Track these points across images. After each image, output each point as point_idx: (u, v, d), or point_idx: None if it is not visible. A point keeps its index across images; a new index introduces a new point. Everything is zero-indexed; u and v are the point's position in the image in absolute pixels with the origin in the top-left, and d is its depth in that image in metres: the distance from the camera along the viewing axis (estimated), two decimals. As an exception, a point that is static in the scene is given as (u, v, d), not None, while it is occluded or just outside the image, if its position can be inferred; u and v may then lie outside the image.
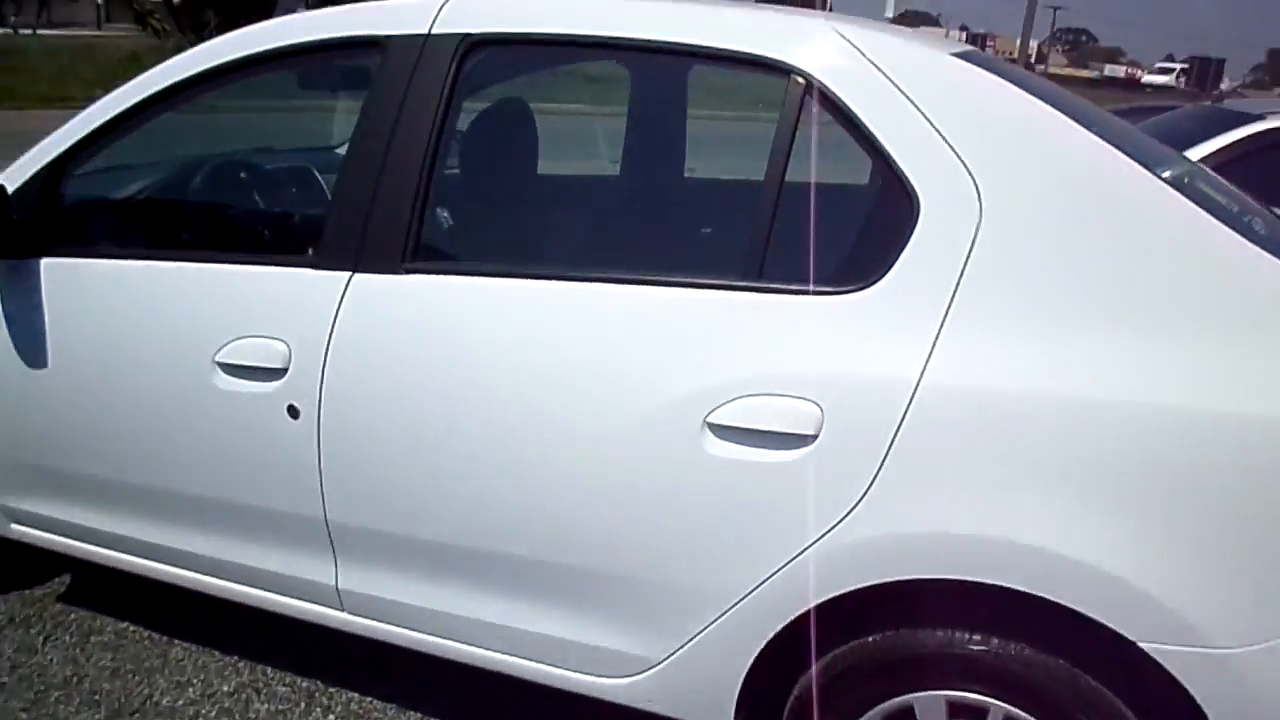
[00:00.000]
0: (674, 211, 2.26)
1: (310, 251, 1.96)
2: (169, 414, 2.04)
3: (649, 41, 1.77)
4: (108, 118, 2.12)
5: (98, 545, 2.28)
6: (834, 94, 1.64)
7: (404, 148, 1.86)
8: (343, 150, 3.36)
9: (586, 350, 1.71)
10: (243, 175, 2.60)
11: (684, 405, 1.64)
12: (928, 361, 1.54)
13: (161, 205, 2.51)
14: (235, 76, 2.02)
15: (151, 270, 2.05)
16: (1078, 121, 1.61)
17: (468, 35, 1.86)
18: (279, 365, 1.90)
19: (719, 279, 1.67)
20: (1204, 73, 37.97)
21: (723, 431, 1.63)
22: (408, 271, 1.84)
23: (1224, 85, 41.39)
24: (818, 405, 1.58)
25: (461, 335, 1.80)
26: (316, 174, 2.76)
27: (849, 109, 1.63)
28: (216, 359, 1.95)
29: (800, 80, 1.66)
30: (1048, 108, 1.62)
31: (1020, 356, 1.51)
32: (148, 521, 2.17)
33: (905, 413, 1.54)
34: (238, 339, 1.93)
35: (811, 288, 1.63)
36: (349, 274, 1.88)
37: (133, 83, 2.13)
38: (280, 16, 2.09)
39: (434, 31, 1.88)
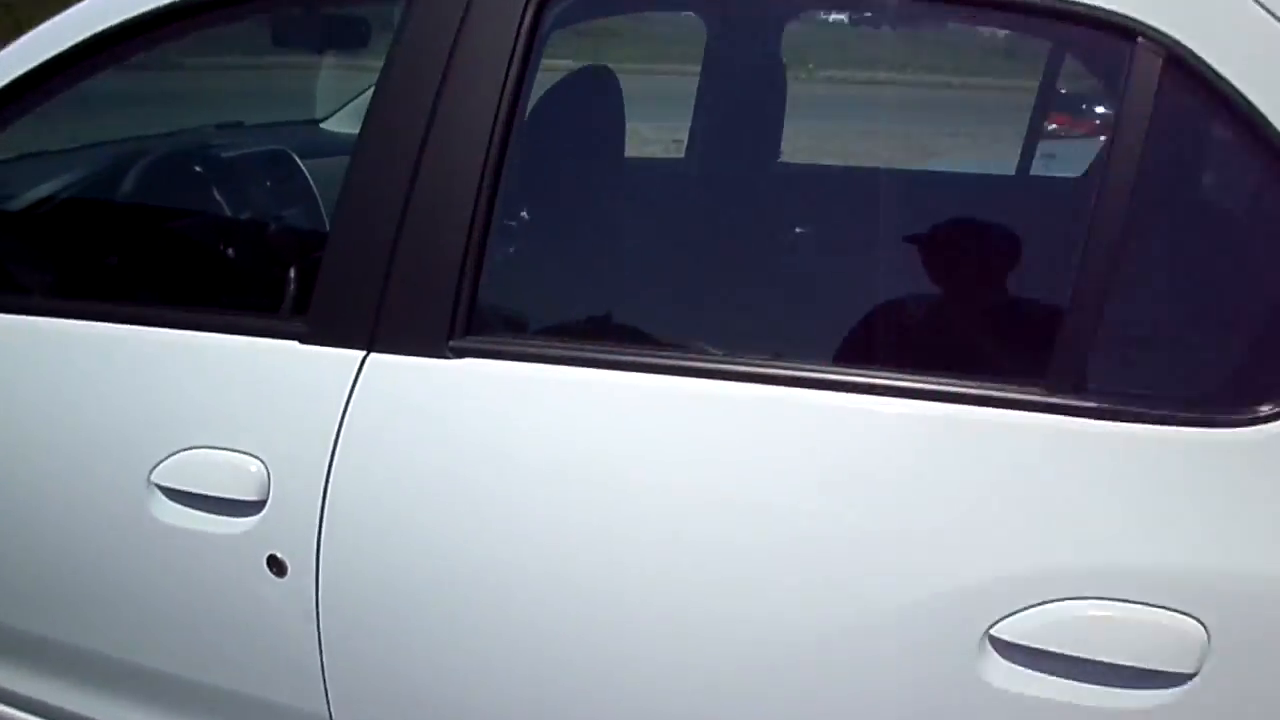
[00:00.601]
0: (908, 266, 1.40)
1: (294, 310, 1.26)
2: (88, 553, 1.34)
3: None
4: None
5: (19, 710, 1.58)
6: (1221, 76, 0.94)
7: (448, 153, 1.15)
8: (332, 127, 2.66)
9: (795, 507, 1.03)
10: (196, 170, 1.86)
11: (952, 609, 0.97)
12: None
13: (66, 225, 1.74)
14: (161, 35, 1.29)
15: (46, 332, 1.33)
16: None
17: None
18: (252, 495, 1.20)
19: (1003, 387, 0.98)
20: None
21: (1020, 655, 0.95)
22: (458, 354, 1.14)
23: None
24: (1198, 621, 0.91)
25: (554, 461, 1.11)
26: (300, 165, 2.02)
27: (1246, 101, 0.93)
28: (153, 479, 1.25)
29: (1157, 49, 0.96)
30: None
31: None
32: (78, 691, 1.48)
33: None
34: (184, 450, 1.23)
35: (1172, 412, 0.94)
36: (361, 354, 1.18)
37: (27, 39, 1.39)
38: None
39: None
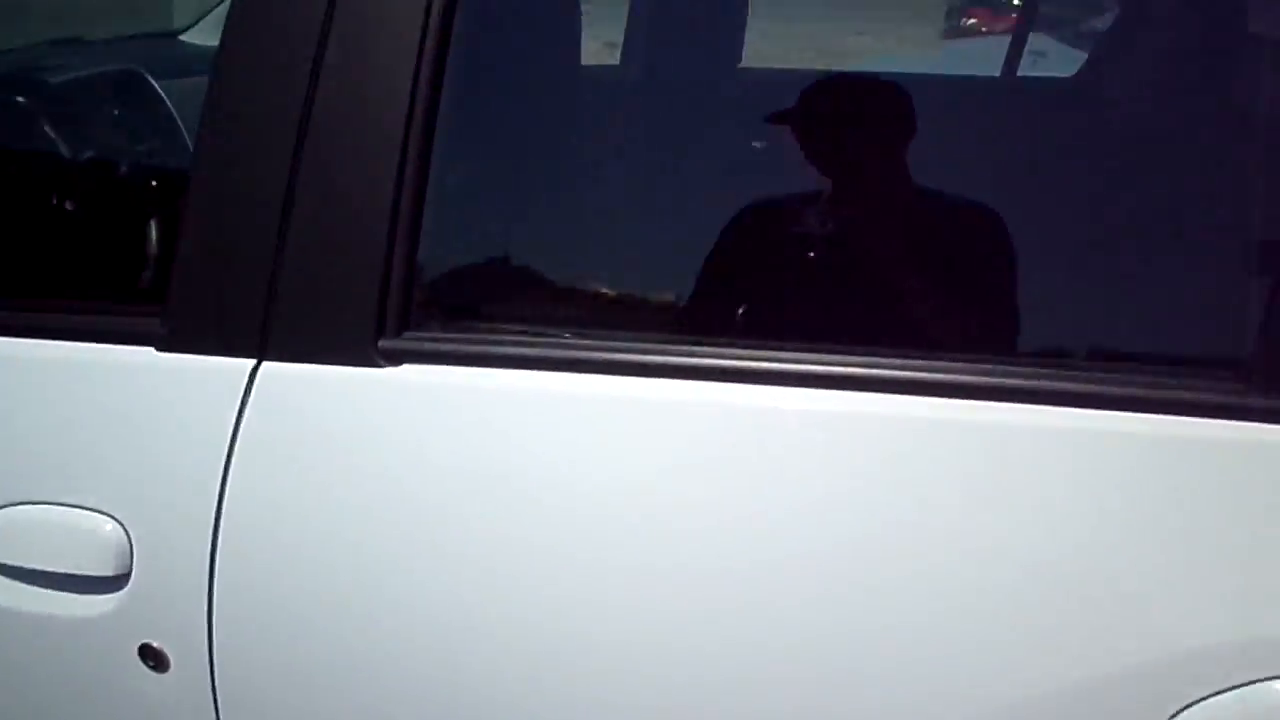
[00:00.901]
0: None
1: (148, 300, 0.90)
2: None
3: None
4: None
5: None
6: None
7: (360, 59, 0.80)
8: (195, 39, 2.20)
9: (895, 548, 0.74)
10: (19, 101, 1.43)
11: (1127, 691, 0.70)
12: None
13: None
14: None
15: None
16: None
17: None
18: (107, 569, 0.86)
19: (1184, 388, 0.70)
20: None
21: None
22: (391, 359, 0.81)
23: None
24: None
25: (538, 505, 0.79)
26: (157, 88, 1.60)
27: None
28: None
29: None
30: None
31: None
32: None
33: None
34: (11, 506, 0.88)
35: None
36: (249, 364, 0.83)
37: None
38: None
39: None
